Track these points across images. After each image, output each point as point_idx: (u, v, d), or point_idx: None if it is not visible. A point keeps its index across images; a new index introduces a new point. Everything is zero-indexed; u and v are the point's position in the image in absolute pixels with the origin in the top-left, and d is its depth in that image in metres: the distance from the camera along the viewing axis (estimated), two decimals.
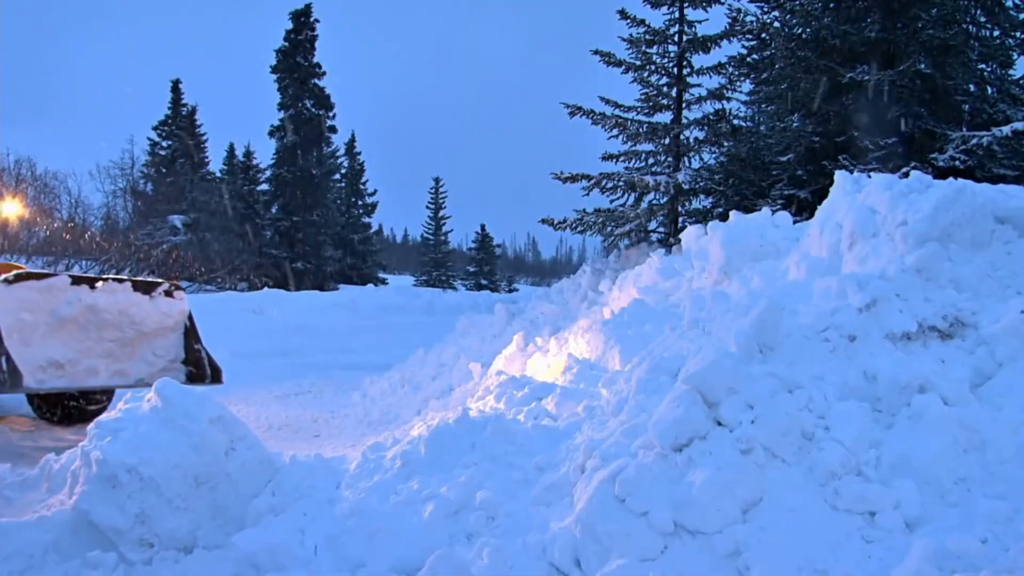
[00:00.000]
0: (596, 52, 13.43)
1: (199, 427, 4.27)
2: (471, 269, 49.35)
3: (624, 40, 13.42)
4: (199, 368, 7.49)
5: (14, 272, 6.37)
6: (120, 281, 6.96)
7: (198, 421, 4.29)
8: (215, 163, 35.92)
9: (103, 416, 4.54)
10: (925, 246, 4.34)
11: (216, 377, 7.50)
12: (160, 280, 7.36)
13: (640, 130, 13.45)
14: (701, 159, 13.76)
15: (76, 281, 6.57)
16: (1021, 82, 11.68)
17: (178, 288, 7.42)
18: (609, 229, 13.08)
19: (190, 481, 4.17)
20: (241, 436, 4.54)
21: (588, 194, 13.12)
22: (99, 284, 6.70)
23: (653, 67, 13.48)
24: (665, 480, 3.42)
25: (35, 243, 32.35)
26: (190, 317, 7.52)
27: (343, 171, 39.32)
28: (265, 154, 47.14)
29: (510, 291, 44.55)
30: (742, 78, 13.79)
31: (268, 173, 33.94)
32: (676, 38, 13.29)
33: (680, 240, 9.40)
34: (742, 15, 12.41)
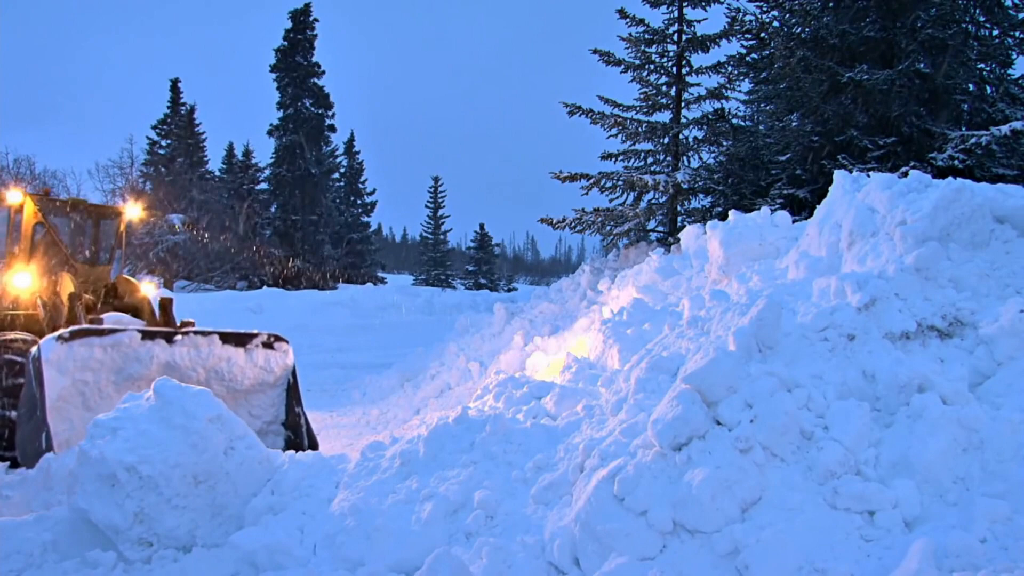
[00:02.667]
0: (595, 51, 13.44)
1: (198, 426, 4.27)
2: (470, 268, 49.30)
3: (623, 39, 13.43)
4: (297, 435, 6.52)
5: (71, 328, 5.64)
6: (205, 334, 6.15)
7: (197, 420, 4.29)
8: (214, 162, 35.92)
9: (101, 415, 4.53)
10: (924, 245, 4.33)
11: (313, 450, 6.45)
12: (256, 332, 6.55)
13: (639, 129, 13.47)
14: (700, 158, 13.80)
15: (148, 336, 5.82)
16: (1020, 81, 11.68)
17: (279, 339, 6.56)
18: (608, 228, 13.09)
19: (189, 480, 4.16)
20: (240, 435, 4.53)
21: (587, 193, 13.14)
22: (177, 338, 5.96)
23: (652, 66, 13.50)
24: (664, 479, 3.42)
25: None
26: (294, 373, 6.66)
27: (342, 170, 39.29)
28: (264, 153, 47.10)
29: (509, 290, 44.54)
30: (741, 77, 13.80)
31: (267, 172, 33.93)
32: (675, 37, 13.31)
33: (679, 239, 9.41)
34: (741, 14, 12.41)
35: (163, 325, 7.14)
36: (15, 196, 7.56)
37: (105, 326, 5.96)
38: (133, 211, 8.59)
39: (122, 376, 5.65)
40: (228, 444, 4.42)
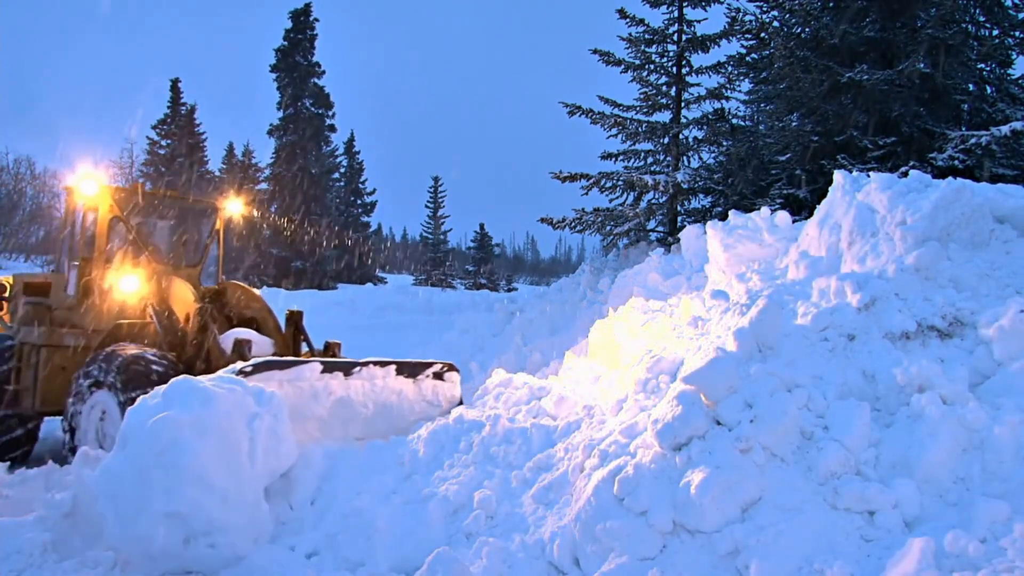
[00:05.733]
0: (595, 51, 13.43)
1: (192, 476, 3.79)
2: (470, 268, 49.28)
3: (623, 39, 13.43)
4: None
5: (253, 360, 4.97)
6: (383, 364, 5.57)
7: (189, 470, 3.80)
8: (214, 162, 35.98)
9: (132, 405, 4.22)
10: (924, 245, 4.33)
11: None
12: (432, 361, 6.01)
13: (639, 129, 13.45)
14: (700, 158, 13.78)
15: (328, 368, 5.21)
16: (1020, 81, 11.68)
17: (451, 369, 6.01)
18: (608, 228, 13.07)
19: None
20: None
21: (587, 193, 13.13)
22: (355, 370, 5.35)
23: (652, 66, 13.48)
24: (664, 479, 3.43)
25: (34, 242, 32.36)
26: (460, 404, 6.06)
27: (342, 170, 39.32)
28: (264, 153, 47.14)
29: (509, 290, 44.49)
30: (741, 77, 13.78)
31: (267, 172, 33.97)
32: (675, 37, 13.30)
33: (679, 239, 9.41)
34: (741, 14, 12.39)
35: (293, 343, 6.57)
36: (90, 187, 6.57)
37: (288, 358, 5.39)
38: (234, 207, 7.69)
39: (295, 414, 4.79)
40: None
